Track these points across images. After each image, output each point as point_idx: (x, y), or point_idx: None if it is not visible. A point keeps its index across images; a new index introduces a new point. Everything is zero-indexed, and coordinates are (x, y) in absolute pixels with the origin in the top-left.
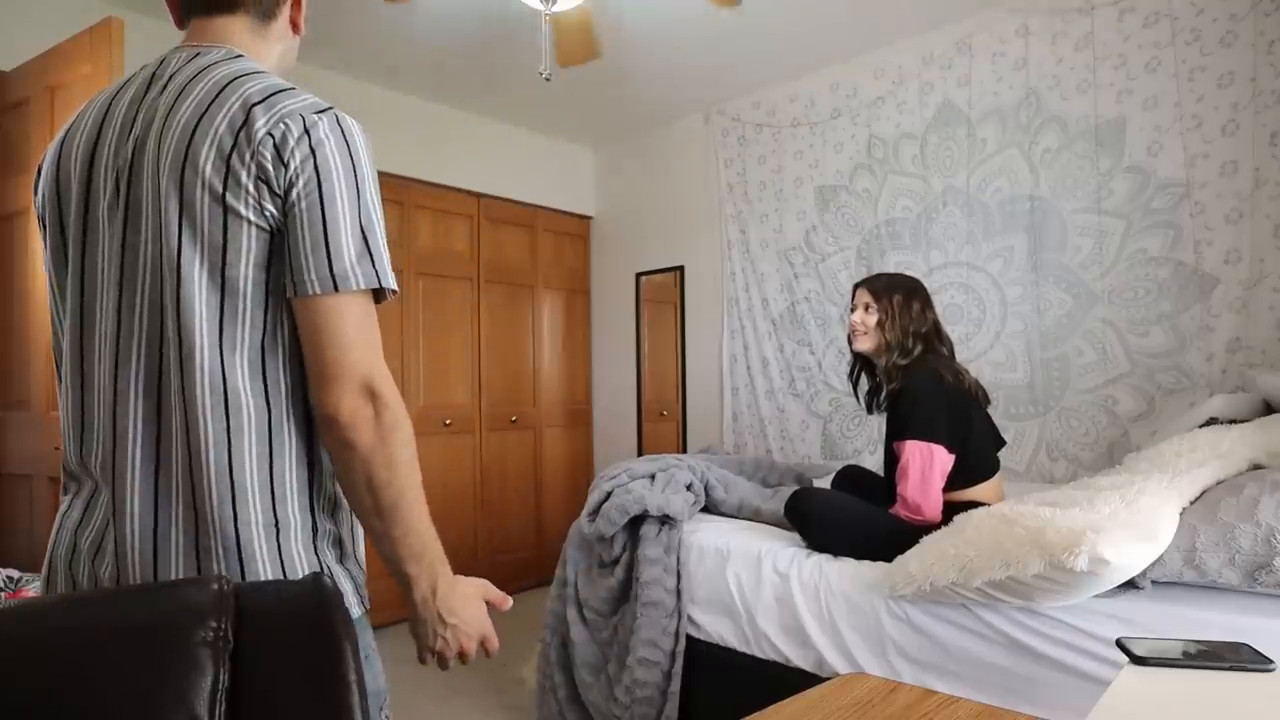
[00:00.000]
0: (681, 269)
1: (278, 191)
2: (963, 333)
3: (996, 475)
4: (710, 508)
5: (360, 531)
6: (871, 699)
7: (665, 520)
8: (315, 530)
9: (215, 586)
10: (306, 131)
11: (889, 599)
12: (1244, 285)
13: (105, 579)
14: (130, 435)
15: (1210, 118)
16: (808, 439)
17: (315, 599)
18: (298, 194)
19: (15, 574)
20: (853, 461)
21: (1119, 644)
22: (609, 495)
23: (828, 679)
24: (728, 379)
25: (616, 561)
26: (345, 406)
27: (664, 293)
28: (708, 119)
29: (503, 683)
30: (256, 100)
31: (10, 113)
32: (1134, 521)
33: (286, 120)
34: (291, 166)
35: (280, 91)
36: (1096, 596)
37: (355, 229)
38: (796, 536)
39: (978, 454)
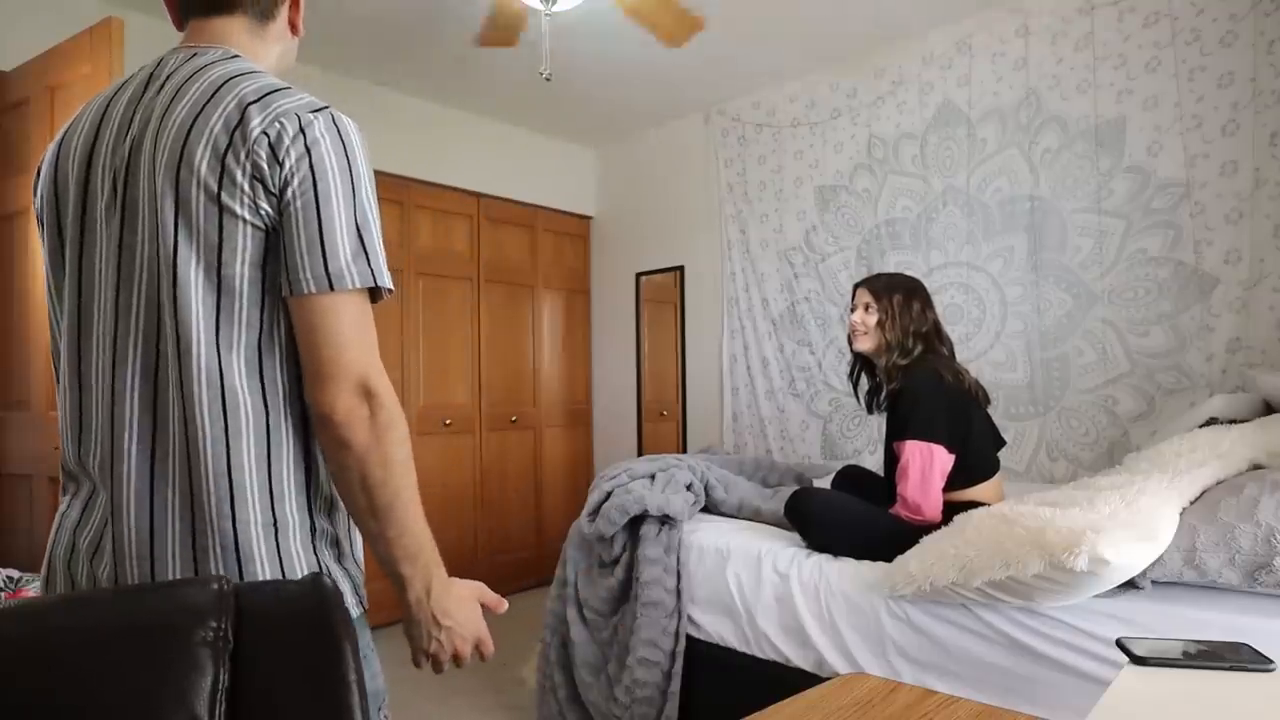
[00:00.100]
0: (681, 269)
1: (273, 190)
2: (963, 333)
3: (996, 475)
4: (710, 508)
5: (358, 532)
6: (871, 699)
7: (665, 520)
8: (314, 530)
9: (215, 586)
10: (302, 130)
11: (889, 599)
12: (1244, 285)
13: (103, 579)
14: (128, 434)
15: (1210, 118)
16: (808, 439)
17: (315, 599)
18: (293, 193)
19: (15, 574)
20: (853, 461)
21: (1119, 644)
22: (609, 495)
23: (828, 679)
24: (728, 379)
25: (616, 561)
26: (341, 405)
27: (664, 293)
28: (708, 119)
29: (503, 683)
30: (252, 99)
31: (10, 113)
32: (1134, 521)
33: (282, 119)
34: (286, 165)
35: (276, 91)
36: (1096, 596)
37: (351, 228)
38: (796, 536)
39: (978, 454)
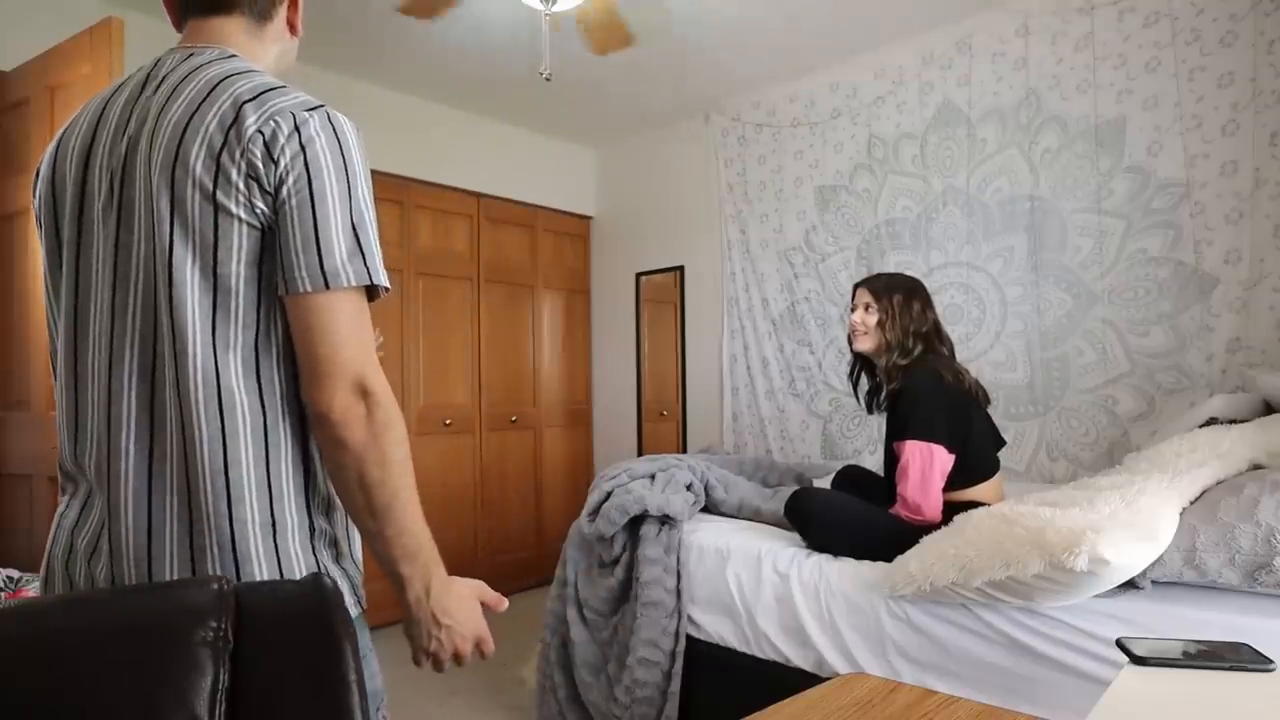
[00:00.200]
0: (681, 269)
1: (268, 189)
2: (963, 333)
3: (996, 475)
4: (710, 508)
5: (356, 532)
6: (871, 699)
7: (665, 520)
8: (312, 530)
9: (215, 586)
10: (297, 129)
11: (889, 599)
12: (1244, 285)
13: (100, 579)
14: (124, 434)
15: (1210, 118)
16: (808, 439)
17: (315, 599)
18: (288, 191)
19: (15, 574)
20: (853, 461)
21: (1119, 644)
22: (609, 495)
23: (828, 679)
24: (728, 379)
25: (616, 561)
26: (337, 404)
27: (664, 293)
28: (708, 119)
29: (503, 683)
30: (247, 98)
31: (10, 113)
32: (1134, 521)
33: (277, 118)
34: (281, 164)
35: (271, 89)
36: (1096, 596)
37: (346, 226)
38: (796, 536)
39: (978, 454)
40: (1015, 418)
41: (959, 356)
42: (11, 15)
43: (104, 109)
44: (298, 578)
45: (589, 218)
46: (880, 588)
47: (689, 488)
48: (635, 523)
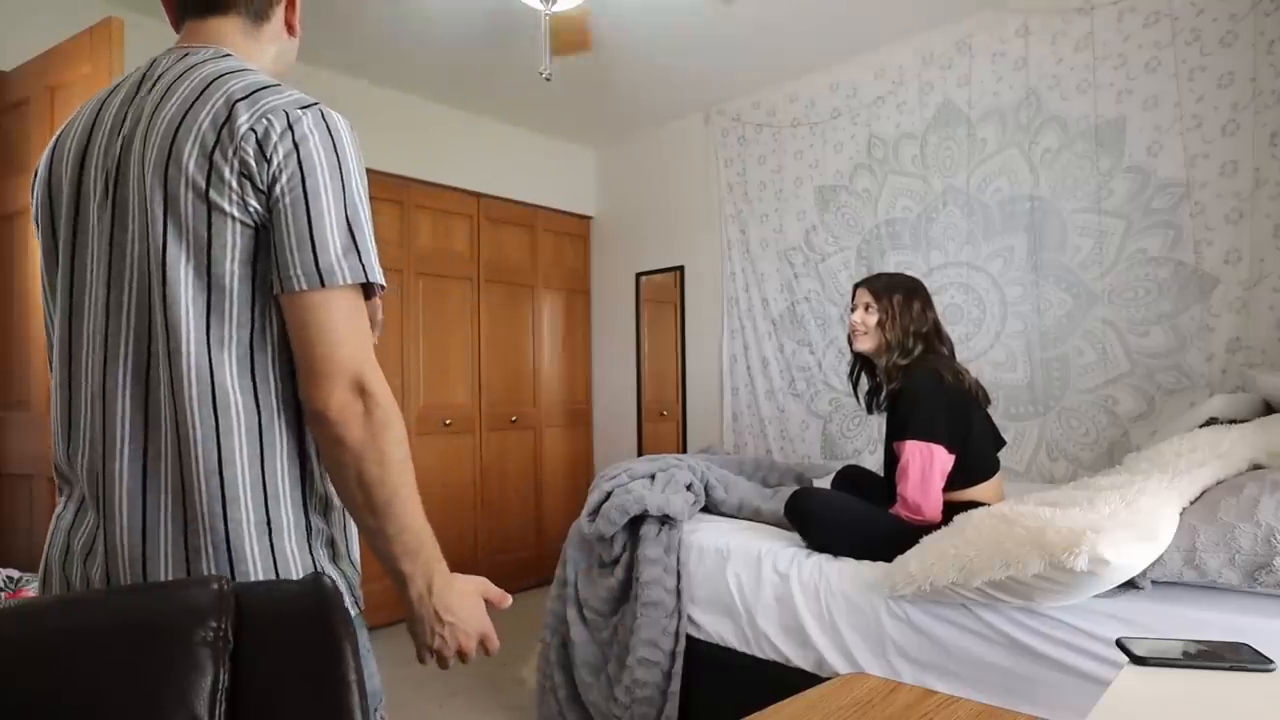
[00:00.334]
0: (681, 269)
1: (261, 187)
2: (963, 333)
3: (996, 475)
4: (710, 508)
5: (354, 532)
6: (871, 699)
7: (665, 520)
8: (309, 530)
9: (215, 586)
10: (290, 127)
11: (889, 599)
12: (1244, 285)
13: (96, 580)
14: (119, 433)
15: (1210, 118)
16: (808, 439)
17: (315, 599)
18: (281, 189)
19: (15, 574)
20: (853, 461)
21: (1119, 644)
22: (609, 495)
23: (828, 679)
24: (728, 379)
25: (616, 561)
26: (335, 403)
27: (664, 293)
28: (708, 119)
29: (503, 683)
30: (240, 96)
31: (10, 113)
32: (1134, 521)
33: (269, 116)
34: (274, 162)
35: (265, 88)
36: (1096, 596)
37: (341, 223)
38: (796, 536)
39: (978, 454)
40: (1015, 418)
41: (959, 356)
42: (11, 15)
43: (100, 110)
44: (294, 578)
45: (589, 218)
46: (880, 588)
47: (689, 488)
48: (635, 523)
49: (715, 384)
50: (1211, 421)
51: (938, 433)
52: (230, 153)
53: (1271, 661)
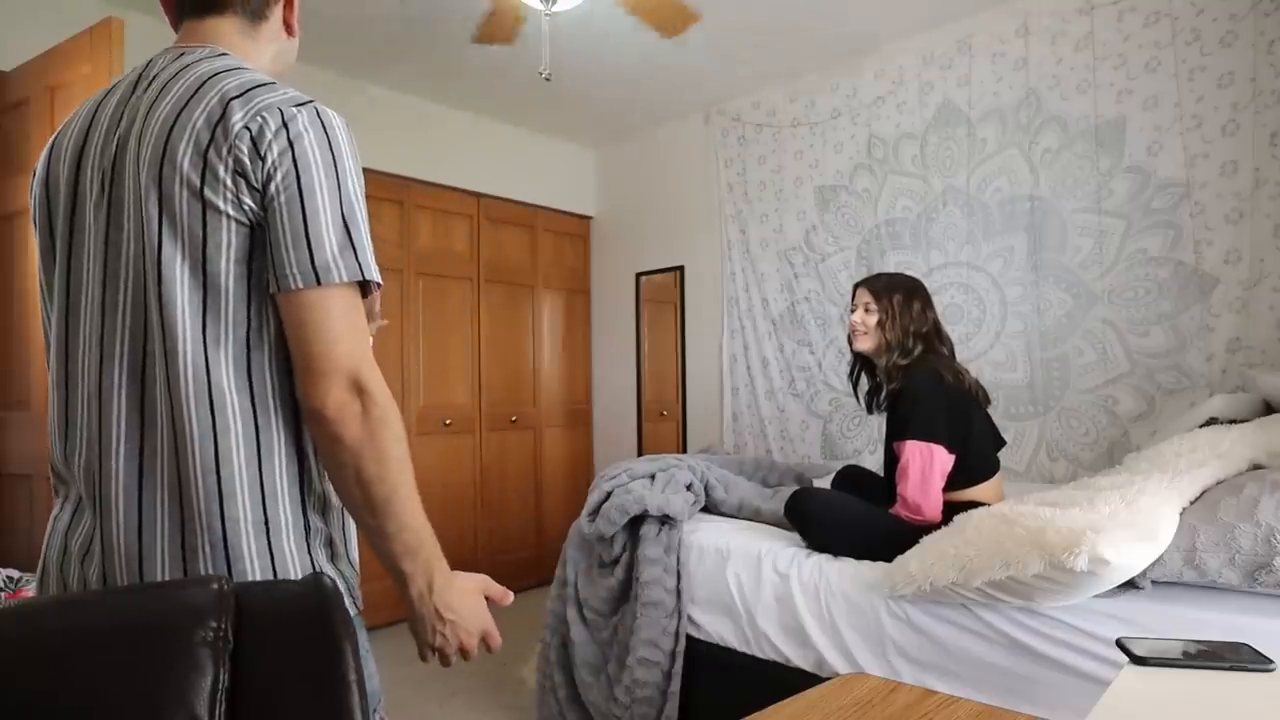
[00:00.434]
0: (681, 269)
1: (255, 185)
2: (963, 333)
3: (996, 475)
4: (710, 508)
5: (353, 532)
6: (871, 699)
7: (665, 520)
8: (308, 529)
9: (215, 586)
10: (285, 124)
11: (889, 599)
12: (1244, 285)
13: (93, 579)
14: (114, 432)
15: (1210, 118)
16: (808, 439)
17: (315, 599)
18: (276, 187)
19: (15, 574)
20: (853, 461)
21: (1119, 644)
22: (609, 495)
23: (828, 679)
24: (728, 379)
25: (616, 561)
26: (332, 401)
27: (664, 293)
28: (708, 119)
29: (503, 683)
30: (234, 95)
31: (10, 113)
32: (1134, 521)
33: (264, 113)
34: (269, 160)
35: (259, 86)
36: (1096, 596)
37: (337, 221)
38: (796, 536)
39: (978, 454)
40: (1015, 418)
41: (959, 356)
42: (11, 15)
43: (96, 110)
44: (291, 577)
45: (589, 218)
46: (880, 588)
47: (689, 488)
48: (635, 523)
49: (715, 384)
50: (1211, 421)
51: (938, 433)
52: (225, 151)
53: (1271, 661)
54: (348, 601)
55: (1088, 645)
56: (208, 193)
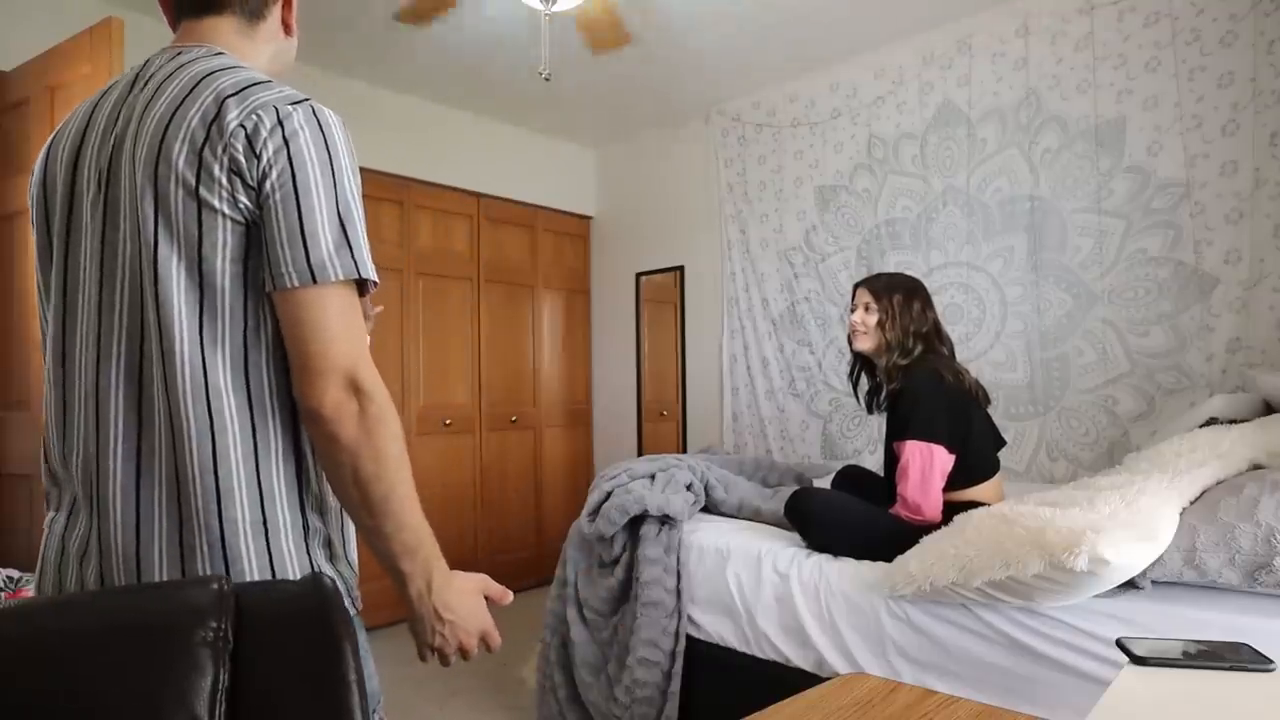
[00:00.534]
0: (681, 269)
1: (250, 184)
2: (963, 333)
3: (996, 475)
4: (710, 508)
5: (351, 532)
6: (871, 699)
7: (665, 520)
8: (306, 529)
9: (215, 586)
10: (280, 123)
11: (889, 599)
12: (1244, 285)
13: (91, 580)
14: (112, 432)
15: (1210, 118)
16: (808, 439)
17: (315, 599)
18: (271, 185)
19: (15, 574)
20: (853, 461)
21: (1119, 644)
22: (609, 495)
23: (828, 679)
24: (728, 379)
25: (616, 561)
26: (329, 400)
27: (664, 293)
28: (708, 119)
29: (503, 683)
30: (230, 93)
31: (10, 113)
32: (1134, 521)
33: (259, 111)
34: (264, 158)
35: (255, 84)
36: (1096, 596)
37: (333, 219)
38: (796, 536)
39: (978, 454)
40: (1015, 418)
41: (959, 356)
42: (11, 15)
43: (93, 110)
44: (290, 577)
45: (589, 218)
46: (880, 588)
47: (689, 488)
48: (635, 523)
49: (715, 384)
50: (1211, 421)
51: (938, 433)
52: (220, 149)
53: (1271, 661)
54: (346, 602)
55: (1088, 645)
56: (203, 191)
